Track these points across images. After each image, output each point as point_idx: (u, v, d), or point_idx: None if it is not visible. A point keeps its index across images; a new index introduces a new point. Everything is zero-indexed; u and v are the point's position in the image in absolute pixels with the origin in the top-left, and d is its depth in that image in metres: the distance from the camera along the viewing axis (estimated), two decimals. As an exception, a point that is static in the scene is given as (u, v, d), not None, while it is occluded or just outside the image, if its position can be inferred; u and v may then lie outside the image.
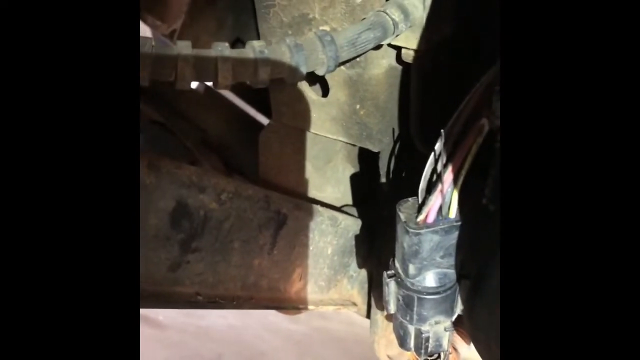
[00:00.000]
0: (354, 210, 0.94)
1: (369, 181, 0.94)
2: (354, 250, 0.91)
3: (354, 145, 0.87)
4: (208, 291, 0.65)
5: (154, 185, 0.55)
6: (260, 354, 2.58)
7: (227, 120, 1.45)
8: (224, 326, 2.81)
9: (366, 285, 0.93)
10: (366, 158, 0.93)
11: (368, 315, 0.94)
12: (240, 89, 1.38)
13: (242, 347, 2.59)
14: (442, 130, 0.52)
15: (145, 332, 2.29)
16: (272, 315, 3.41)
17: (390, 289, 0.60)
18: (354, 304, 0.93)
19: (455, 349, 0.80)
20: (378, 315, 0.88)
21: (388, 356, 0.93)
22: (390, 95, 0.71)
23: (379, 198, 0.84)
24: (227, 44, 0.49)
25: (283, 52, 0.52)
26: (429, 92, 0.68)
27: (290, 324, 3.37)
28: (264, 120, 1.38)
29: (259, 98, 1.40)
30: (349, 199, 0.96)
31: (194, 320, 2.69)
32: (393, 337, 0.88)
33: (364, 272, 0.93)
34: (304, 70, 0.53)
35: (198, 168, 0.61)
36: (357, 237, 0.90)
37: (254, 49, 0.50)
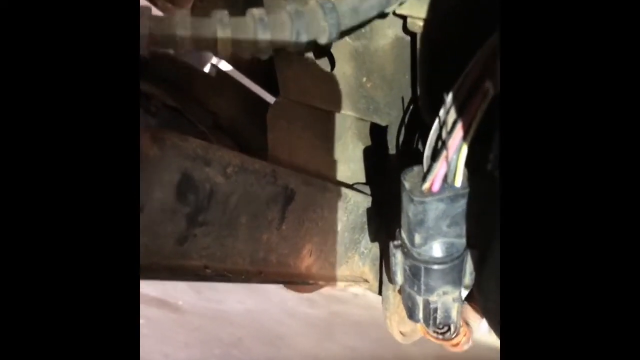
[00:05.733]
0: (365, 189, 0.94)
1: (379, 158, 0.93)
2: (365, 227, 0.90)
3: (364, 121, 0.86)
4: (216, 265, 0.66)
5: (158, 157, 0.55)
6: (279, 337, 2.60)
7: (240, 103, 1.45)
8: (243, 311, 2.84)
9: (377, 262, 0.93)
10: (376, 135, 0.92)
11: (380, 292, 0.93)
12: (252, 71, 1.38)
13: (261, 330, 2.62)
14: (445, 95, 0.51)
15: (165, 316, 2.32)
16: (290, 300, 3.44)
17: (397, 259, 0.59)
18: (366, 281, 0.93)
19: (467, 323, 0.79)
20: (390, 292, 0.87)
21: (401, 332, 0.93)
22: (397, 66, 0.70)
23: (388, 172, 0.83)
24: (226, 12, 0.49)
25: (283, 20, 0.51)
26: (437, 62, 0.67)
27: (308, 308, 3.40)
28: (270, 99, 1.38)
29: (272, 81, 1.40)
30: (359, 177, 0.95)
31: (213, 305, 2.72)
32: (404, 313, 0.87)
33: (375, 249, 0.92)
34: (304, 38, 0.53)
35: (203, 141, 0.61)
36: (367, 214, 0.89)
37: (254, 16, 0.50)
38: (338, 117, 0.87)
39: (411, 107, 0.74)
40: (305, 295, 3.69)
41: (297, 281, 0.78)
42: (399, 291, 0.87)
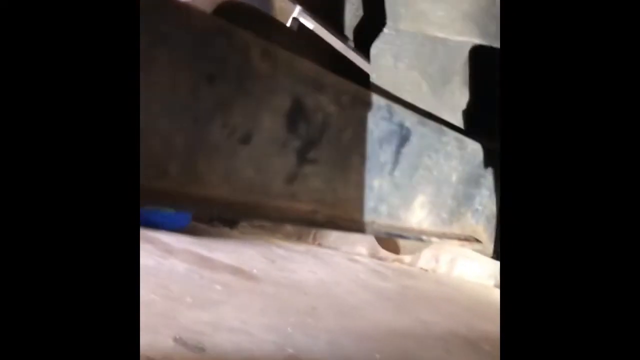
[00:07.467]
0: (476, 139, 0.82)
1: (490, 105, 0.81)
2: (480, 180, 0.79)
3: (474, 65, 0.75)
4: (326, 211, 0.57)
5: (269, 76, 0.46)
6: (352, 308, 2.54)
7: (322, 61, 1.35)
8: (315, 281, 2.81)
9: (493, 221, 0.81)
10: (485, 80, 0.81)
11: (495, 255, 0.82)
12: (336, 27, 1.27)
13: (335, 301, 2.57)
14: None
15: (240, 283, 2.32)
16: (361, 272, 3.37)
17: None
18: (478, 241, 0.82)
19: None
20: (511, 253, 0.76)
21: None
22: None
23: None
24: None
25: None
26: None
27: (380, 281, 3.32)
28: (362, 64, 1.27)
29: (357, 38, 1.29)
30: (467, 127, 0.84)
31: (286, 274, 2.70)
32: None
33: (491, 206, 0.81)
34: None
35: (314, 64, 0.52)
36: (484, 165, 0.78)
37: None
38: (447, 58, 0.76)
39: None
40: (375, 267, 3.61)
41: (408, 236, 0.69)
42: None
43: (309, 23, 1.44)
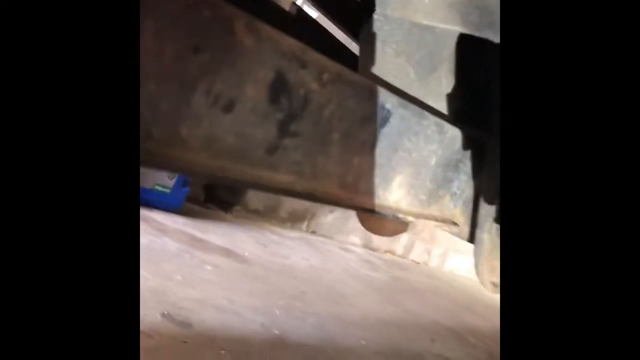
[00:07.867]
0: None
1: (475, 94, 0.84)
2: (459, 165, 0.82)
3: (461, 54, 0.78)
4: (305, 183, 0.60)
5: (253, 48, 0.49)
6: (341, 296, 2.58)
7: (316, 45, 1.38)
8: (307, 267, 2.84)
9: (470, 205, 0.84)
10: (471, 69, 0.83)
11: (470, 239, 0.85)
12: (335, 14, 1.29)
13: (324, 287, 2.60)
14: None
15: (231, 265, 2.35)
16: (352, 261, 3.41)
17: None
18: (455, 224, 0.85)
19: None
20: (484, 234, 0.79)
21: (492, 283, 0.85)
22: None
23: (492, 107, 0.74)
24: None
25: None
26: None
27: (370, 271, 3.36)
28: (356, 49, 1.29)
29: (353, 24, 1.31)
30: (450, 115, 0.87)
31: (278, 259, 2.73)
32: (497, 262, 0.79)
33: (468, 191, 0.84)
34: None
35: (299, 42, 0.54)
36: (463, 151, 0.81)
37: None
38: (435, 44, 0.78)
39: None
40: (367, 257, 3.65)
41: (386, 213, 0.72)
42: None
43: (312, 12, 1.45)
